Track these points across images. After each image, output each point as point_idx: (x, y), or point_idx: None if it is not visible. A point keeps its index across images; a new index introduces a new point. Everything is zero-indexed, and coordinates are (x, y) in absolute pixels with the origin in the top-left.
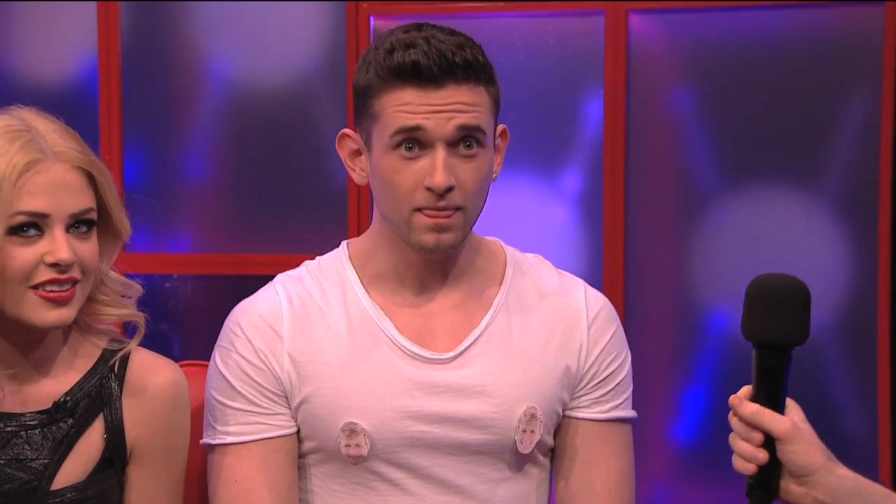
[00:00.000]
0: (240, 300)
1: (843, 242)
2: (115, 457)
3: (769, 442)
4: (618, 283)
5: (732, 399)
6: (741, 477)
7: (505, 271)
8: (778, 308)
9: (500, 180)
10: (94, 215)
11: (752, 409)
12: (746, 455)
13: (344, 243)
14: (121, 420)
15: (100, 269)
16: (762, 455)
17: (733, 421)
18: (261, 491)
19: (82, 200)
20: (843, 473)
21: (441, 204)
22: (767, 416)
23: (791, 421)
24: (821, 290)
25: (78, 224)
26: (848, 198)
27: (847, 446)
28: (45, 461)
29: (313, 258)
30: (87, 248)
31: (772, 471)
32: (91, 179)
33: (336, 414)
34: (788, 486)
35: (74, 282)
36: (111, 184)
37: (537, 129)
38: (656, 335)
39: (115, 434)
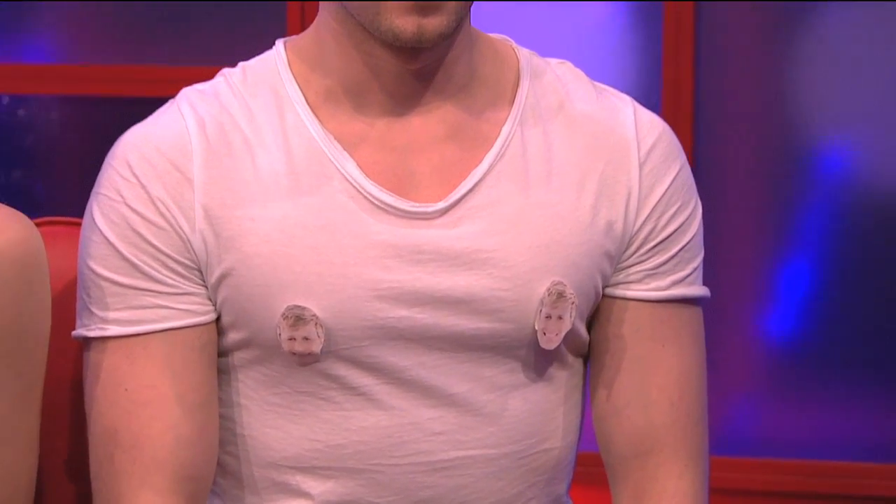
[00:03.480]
0: (127, 129)
1: None
2: None
3: None
4: (683, 107)
5: None
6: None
7: (518, 84)
8: None
9: None
10: None
11: None
12: None
13: (280, 43)
14: None
15: None
16: None
17: None
18: (162, 404)
19: None
20: None
21: None
22: None
23: None
24: None
25: None
26: None
27: None
28: None
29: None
30: None
31: None
32: None
33: (274, 293)
34: None
35: None
36: None
37: None
38: (738, 184)
39: None
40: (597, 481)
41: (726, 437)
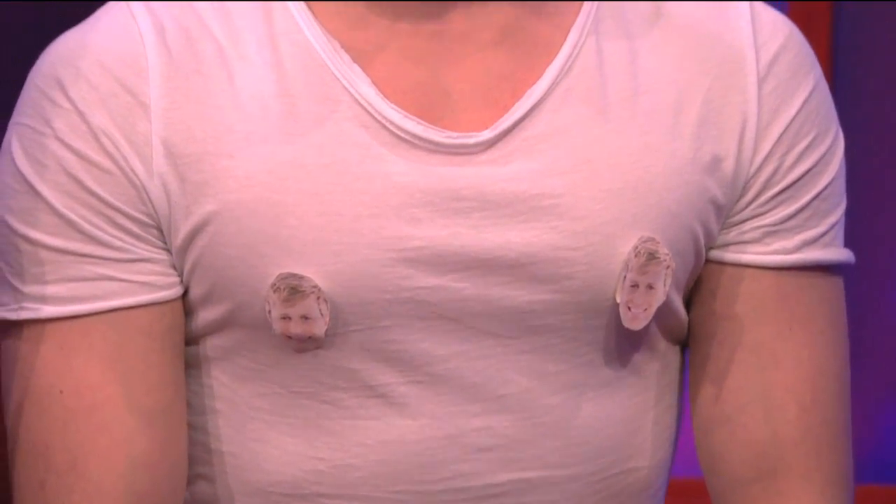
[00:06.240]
0: (58, 36)
1: None
2: None
3: None
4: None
5: None
6: None
7: None
8: None
9: None
10: None
11: None
12: None
13: None
14: None
15: None
16: None
17: None
18: (110, 412)
19: None
20: None
21: None
22: None
23: None
24: None
25: None
26: None
27: None
28: None
29: None
30: None
31: None
32: None
33: (262, 255)
34: None
35: None
36: None
37: None
38: (890, 112)
39: None
40: None
41: (875, 458)
